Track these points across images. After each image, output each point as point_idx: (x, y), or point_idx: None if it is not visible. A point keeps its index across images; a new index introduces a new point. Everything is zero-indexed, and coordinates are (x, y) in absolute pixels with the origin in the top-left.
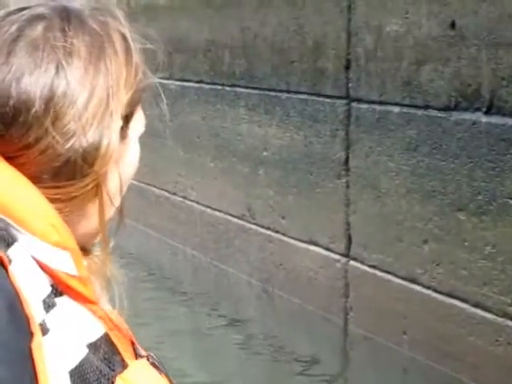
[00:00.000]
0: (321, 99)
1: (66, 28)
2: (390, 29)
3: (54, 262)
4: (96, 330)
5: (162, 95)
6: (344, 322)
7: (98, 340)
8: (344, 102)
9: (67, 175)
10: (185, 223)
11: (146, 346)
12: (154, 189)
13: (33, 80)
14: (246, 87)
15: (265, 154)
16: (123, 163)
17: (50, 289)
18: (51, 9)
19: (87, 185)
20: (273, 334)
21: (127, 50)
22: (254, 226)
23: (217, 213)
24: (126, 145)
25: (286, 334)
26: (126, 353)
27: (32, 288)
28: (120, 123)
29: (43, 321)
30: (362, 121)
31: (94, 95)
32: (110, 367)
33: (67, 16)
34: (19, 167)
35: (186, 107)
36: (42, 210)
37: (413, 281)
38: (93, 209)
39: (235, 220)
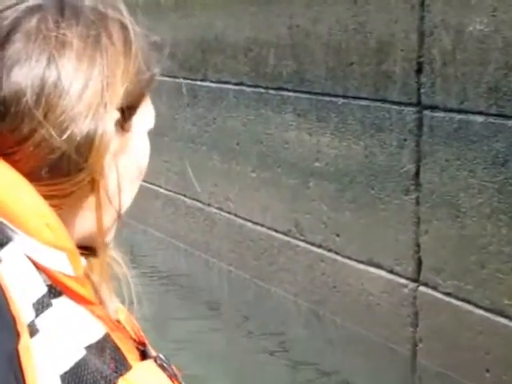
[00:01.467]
0: (386, 106)
1: (60, 19)
2: (474, 28)
3: (50, 261)
4: (96, 331)
5: (181, 95)
6: (412, 353)
7: (98, 341)
8: (414, 109)
9: (62, 171)
10: (220, 237)
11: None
12: (184, 198)
13: (23, 71)
14: (295, 91)
15: (316, 164)
16: (125, 158)
17: (45, 289)
18: (48, 0)
19: (83, 180)
20: (325, 362)
21: (126, 40)
22: (302, 243)
23: (258, 227)
24: (128, 139)
25: (340, 364)
26: (130, 354)
27: (23, 288)
28: (116, 115)
29: (32, 322)
30: (437, 131)
31: (87, 86)
32: (111, 369)
33: (62, 7)
34: (15, 164)
35: (224, 111)
36: (36, 209)
37: (499, 313)
38: (91, 206)
39: (280, 236)
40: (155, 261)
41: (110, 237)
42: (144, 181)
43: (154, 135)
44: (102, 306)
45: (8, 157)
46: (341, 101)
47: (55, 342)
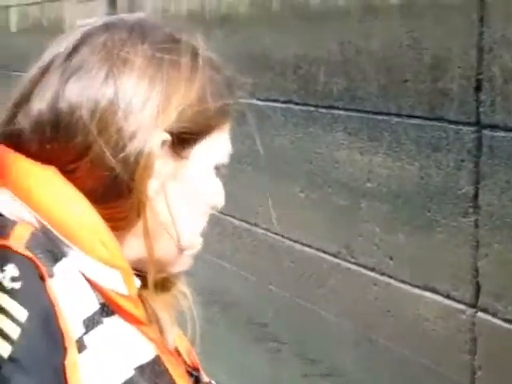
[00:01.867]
0: (442, 125)
1: (127, 38)
2: None
3: (104, 279)
4: (146, 353)
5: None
6: (470, 382)
7: (147, 363)
8: (473, 128)
9: (115, 192)
10: (267, 258)
11: None
12: (231, 219)
13: (81, 84)
14: (346, 109)
15: (368, 185)
16: (179, 186)
17: (98, 307)
18: (123, 20)
19: (133, 202)
20: None
21: (192, 67)
22: (353, 266)
23: (306, 248)
24: (183, 166)
25: None
26: (181, 379)
27: (73, 304)
28: (165, 136)
29: (81, 338)
30: (498, 151)
31: (144, 106)
32: None
33: (132, 27)
34: (75, 182)
35: (271, 130)
36: (92, 226)
37: None
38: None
39: (329, 258)
40: (201, 280)
41: (176, 268)
42: None
43: None
44: (157, 330)
45: (69, 174)
46: (394, 119)
47: (103, 359)
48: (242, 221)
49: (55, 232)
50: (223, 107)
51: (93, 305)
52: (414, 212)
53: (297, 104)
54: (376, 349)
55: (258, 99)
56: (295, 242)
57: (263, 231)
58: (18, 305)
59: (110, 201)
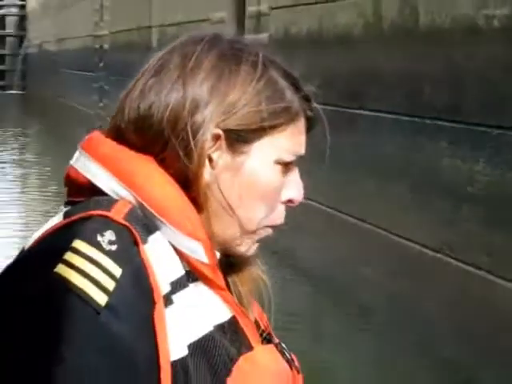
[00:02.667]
0: None
1: (200, 49)
2: None
3: (190, 250)
4: (224, 313)
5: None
6: None
7: (225, 322)
8: None
9: (188, 179)
10: (373, 251)
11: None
12: (339, 214)
13: (157, 86)
14: (449, 121)
15: (469, 189)
16: (239, 178)
17: (183, 272)
18: (208, 35)
19: (198, 188)
20: (482, 377)
21: (251, 74)
22: (453, 261)
23: (411, 244)
24: (243, 161)
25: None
26: (253, 337)
27: (163, 267)
28: (217, 132)
29: (168, 295)
30: None
31: (204, 106)
32: (235, 347)
33: (210, 41)
34: (166, 169)
35: (381, 138)
36: (181, 205)
37: None
38: (215, 213)
39: (432, 253)
40: (311, 266)
41: (241, 249)
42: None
43: (313, 157)
44: (234, 297)
45: (161, 162)
46: (495, 131)
47: (187, 315)
48: (350, 216)
49: (150, 209)
50: (283, 109)
51: (179, 270)
52: (510, 214)
53: (404, 115)
54: (475, 342)
55: (369, 110)
56: (401, 237)
57: (370, 227)
58: (114, 263)
59: (187, 186)
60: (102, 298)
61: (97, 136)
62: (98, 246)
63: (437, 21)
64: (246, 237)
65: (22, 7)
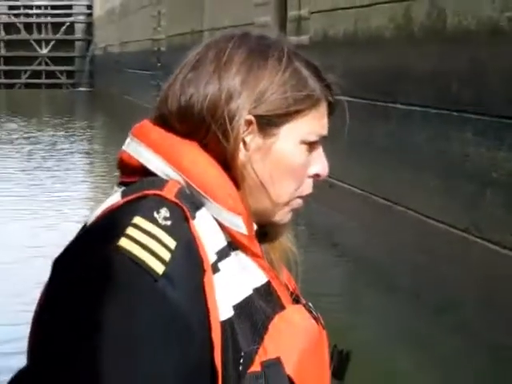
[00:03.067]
0: None
1: (232, 46)
2: None
3: (231, 223)
4: (261, 278)
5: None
6: None
7: (262, 285)
8: None
9: (228, 160)
10: (405, 230)
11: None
12: (375, 197)
13: (195, 79)
14: (474, 113)
15: (493, 175)
16: (270, 158)
17: (225, 243)
18: (238, 33)
19: (236, 169)
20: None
21: (277, 67)
22: (479, 240)
23: (440, 224)
24: (273, 142)
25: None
26: (284, 298)
27: (209, 239)
28: (249, 118)
29: (215, 263)
30: None
31: (237, 95)
32: (270, 307)
33: (240, 38)
34: (209, 152)
35: (411, 129)
36: (223, 183)
37: None
38: (251, 191)
39: (459, 232)
40: (347, 244)
41: (275, 218)
42: (338, 180)
43: (351, 146)
44: (269, 263)
45: (205, 147)
46: None
47: (231, 280)
48: (385, 199)
49: (197, 188)
50: (306, 96)
51: (222, 241)
52: None
53: (433, 108)
54: (497, 315)
55: (401, 104)
56: (430, 218)
57: (403, 208)
58: (169, 237)
59: (227, 167)
60: (159, 268)
61: (146, 124)
62: (155, 221)
63: (463, 23)
64: (279, 208)
65: (89, 15)
